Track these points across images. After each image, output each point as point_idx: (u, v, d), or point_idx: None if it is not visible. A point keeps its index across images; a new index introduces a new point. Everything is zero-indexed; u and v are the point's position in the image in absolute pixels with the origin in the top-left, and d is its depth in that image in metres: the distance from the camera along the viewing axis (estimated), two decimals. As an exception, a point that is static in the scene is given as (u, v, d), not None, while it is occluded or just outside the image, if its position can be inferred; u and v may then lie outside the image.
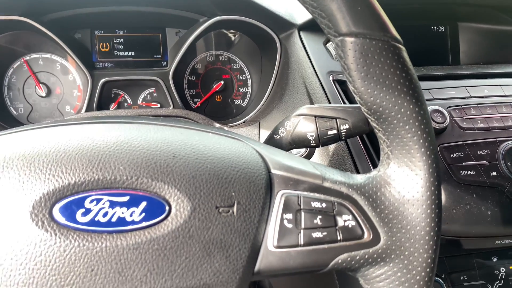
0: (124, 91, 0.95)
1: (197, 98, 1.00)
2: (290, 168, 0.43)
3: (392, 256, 0.41)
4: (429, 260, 0.41)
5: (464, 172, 0.68)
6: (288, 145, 0.58)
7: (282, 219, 0.41)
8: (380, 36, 0.39)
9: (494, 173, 0.68)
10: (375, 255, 0.41)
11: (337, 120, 0.55)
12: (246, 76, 1.02)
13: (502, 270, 0.77)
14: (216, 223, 0.39)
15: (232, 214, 0.39)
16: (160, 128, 0.44)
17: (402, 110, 0.41)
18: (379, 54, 0.39)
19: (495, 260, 0.77)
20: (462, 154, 0.69)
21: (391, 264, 0.41)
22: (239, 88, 1.02)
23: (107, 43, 0.93)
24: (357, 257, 0.41)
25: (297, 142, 0.57)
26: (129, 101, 0.95)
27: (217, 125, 0.89)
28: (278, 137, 0.58)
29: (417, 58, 0.94)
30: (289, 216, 0.41)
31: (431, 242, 0.41)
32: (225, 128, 0.89)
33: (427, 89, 0.74)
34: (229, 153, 0.42)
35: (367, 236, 0.41)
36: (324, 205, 0.42)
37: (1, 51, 0.86)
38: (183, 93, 0.99)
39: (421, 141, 0.41)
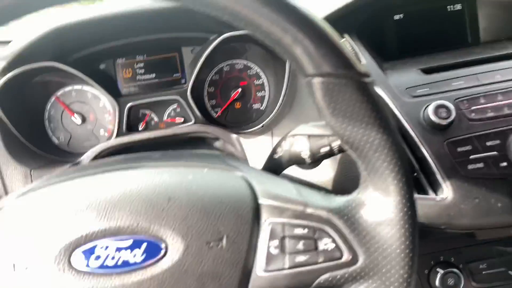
0: (150, 110, 1.02)
1: (217, 108, 1.06)
2: (277, 196, 0.48)
3: (371, 273, 0.45)
4: (406, 275, 0.44)
5: (472, 166, 0.68)
6: (286, 164, 0.62)
7: (268, 246, 0.46)
8: (344, 74, 0.42)
9: (505, 164, 0.67)
10: (354, 274, 0.45)
11: (329, 137, 0.58)
12: (262, 81, 1.05)
13: (526, 255, 0.76)
14: (207, 257, 0.44)
15: (222, 247, 0.45)
16: (159, 172, 0.50)
17: (371, 140, 0.43)
18: (344, 91, 0.42)
19: (517, 246, 0.76)
20: (470, 147, 0.69)
21: (370, 281, 0.45)
22: (257, 93, 1.05)
23: (130, 69, 1.01)
24: (338, 276, 0.45)
25: (294, 160, 0.61)
26: (156, 118, 1.03)
27: (234, 136, 0.94)
28: (277, 156, 0.62)
29: (434, 42, 0.92)
30: (275, 243, 0.46)
31: (406, 259, 0.44)
32: (241, 138, 0.94)
33: (434, 82, 0.74)
34: (219, 189, 0.48)
35: (346, 256, 0.45)
36: (306, 230, 0.46)
37: (38, 89, 0.96)
38: (204, 105, 1.05)
39: (391, 166, 0.43)
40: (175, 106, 1.03)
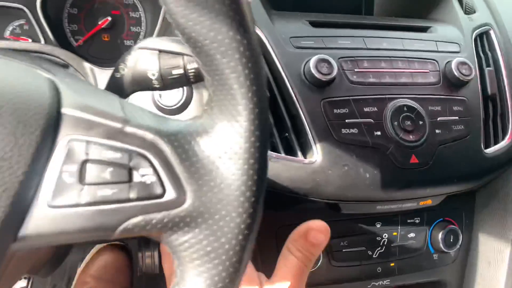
0: (-14, 20, 0.80)
1: (79, 36, 0.87)
2: (88, 107, 0.34)
3: (199, 220, 0.34)
4: (243, 226, 0.34)
5: (346, 130, 0.62)
6: (130, 86, 0.48)
7: (61, 171, 0.32)
8: None
9: (378, 133, 0.62)
10: (177, 219, 0.33)
11: (184, 57, 0.46)
12: (139, 14, 0.89)
13: (385, 236, 0.73)
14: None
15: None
16: None
17: (220, 37, 0.32)
18: None
19: (378, 226, 0.73)
20: (346, 110, 0.63)
21: (197, 230, 0.34)
22: (131, 27, 0.89)
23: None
24: (154, 221, 0.33)
25: (140, 82, 0.47)
26: (-8, 32, 0.81)
27: (87, 65, 0.77)
28: (119, 75, 0.48)
29: (328, 6, 0.86)
30: (72, 168, 0.32)
31: (246, 204, 0.34)
32: (98, 70, 0.78)
33: (320, 36, 0.66)
34: (12, 85, 0.33)
35: (169, 195, 0.33)
36: (119, 155, 0.33)
37: None
38: (61, 28, 0.85)
39: (242, 79, 0.33)
40: (22, 21, 0.82)
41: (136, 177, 0.33)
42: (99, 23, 0.87)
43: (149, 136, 0.34)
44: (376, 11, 0.88)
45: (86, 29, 0.87)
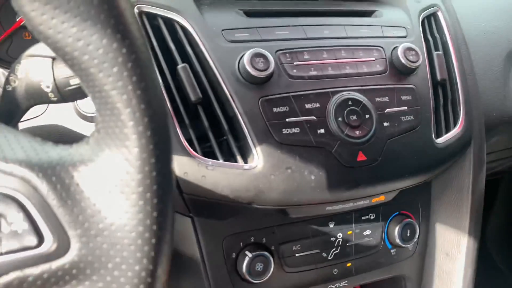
0: None
1: (-5, 36, 0.78)
2: None
3: (88, 271, 0.28)
4: (144, 274, 0.28)
5: (287, 130, 0.57)
6: (25, 100, 0.41)
7: None
8: None
9: (322, 131, 0.58)
10: (60, 273, 0.27)
11: (84, 64, 0.39)
12: (63, 9, 0.81)
13: (339, 236, 0.69)
14: None
15: None
16: None
17: (91, 47, 0.25)
18: None
19: (332, 226, 0.69)
20: (287, 108, 0.57)
21: (87, 283, 0.28)
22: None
23: None
24: (31, 278, 0.27)
25: (34, 96, 0.40)
26: None
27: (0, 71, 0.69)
28: (10, 88, 0.41)
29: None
30: None
31: (145, 248, 0.28)
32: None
33: (255, 27, 0.60)
34: None
35: (48, 244, 0.27)
36: (-20, 199, 0.26)
37: None
38: (-28, 28, 0.76)
39: (125, 97, 0.26)
40: None
41: (4, 225, 0.27)
42: (18, 20, 0.78)
43: (18, 171, 0.27)
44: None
45: (3, 27, 0.78)
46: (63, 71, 0.39)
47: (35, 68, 0.39)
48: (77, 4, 0.25)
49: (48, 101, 0.41)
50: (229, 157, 0.58)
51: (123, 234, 0.28)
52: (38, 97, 0.40)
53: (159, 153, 0.28)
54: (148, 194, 0.28)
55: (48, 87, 0.39)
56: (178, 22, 0.58)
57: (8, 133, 0.30)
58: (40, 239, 0.27)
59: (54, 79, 0.39)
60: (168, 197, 0.29)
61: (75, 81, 0.39)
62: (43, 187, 0.27)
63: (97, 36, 0.25)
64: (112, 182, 0.28)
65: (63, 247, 0.27)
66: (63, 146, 0.30)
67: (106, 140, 0.28)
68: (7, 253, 0.26)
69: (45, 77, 0.39)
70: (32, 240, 0.27)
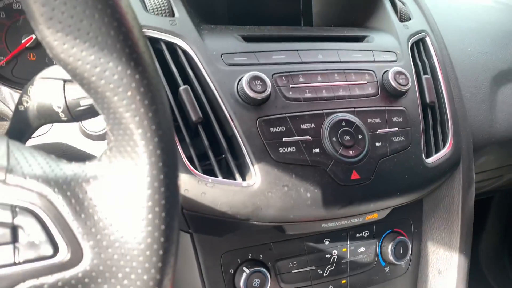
0: None
1: (1, 56, 0.81)
2: None
3: (99, 280, 0.29)
4: (151, 283, 0.30)
5: (284, 149, 0.59)
6: (36, 120, 0.44)
7: None
8: None
9: (317, 150, 0.60)
10: (73, 281, 0.29)
11: (93, 86, 0.41)
12: (66, 32, 0.83)
13: (334, 253, 0.71)
14: None
15: None
16: None
17: (107, 73, 0.28)
18: None
19: (327, 243, 0.71)
20: (283, 128, 0.60)
21: (98, 292, 0.30)
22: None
23: None
24: (46, 286, 0.29)
25: (45, 116, 0.43)
26: None
27: (5, 89, 0.71)
28: (22, 108, 0.43)
29: (266, 20, 0.83)
30: None
31: (153, 259, 0.30)
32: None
33: (253, 51, 0.63)
34: None
35: (62, 254, 0.29)
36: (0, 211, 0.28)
37: None
38: (-21, 50, 0.78)
39: (137, 118, 0.29)
40: None
41: (22, 236, 0.29)
42: (23, 41, 0.80)
43: (36, 186, 0.29)
44: (315, 20, 0.86)
45: (8, 48, 0.81)
46: (74, 93, 0.41)
47: (47, 90, 0.41)
48: (96, 35, 0.27)
49: (58, 120, 0.43)
50: (228, 174, 0.60)
51: (132, 246, 0.30)
52: (49, 117, 0.43)
53: (167, 170, 0.30)
54: (156, 208, 0.30)
55: (59, 107, 0.41)
56: (180, 46, 0.61)
57: (25, 151, 0.32)
58: (55, 249, 0.29)
59: (65, 100, 0.41)
60: (175, 211, 0.31)
61: (85, 102, 0.41)
62: (58, 201, 0.29)
63: (113, 64, 0.28)
64: (123, 197, 0.30)
65: (76, 257, 0.29)
66: (77, 163, 0.32)
67: (117, 157, 0.30)
68: (24, 262, 0.28)
69: (56, 98, 0.41)
70: (48, 250, 0.29)
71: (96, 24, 0.27)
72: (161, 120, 0.29)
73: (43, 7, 0.26)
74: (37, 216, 0.29)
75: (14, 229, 0.28)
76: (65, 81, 0.41)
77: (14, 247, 0.28)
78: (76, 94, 0.41)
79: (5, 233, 0.28)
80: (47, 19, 0.26)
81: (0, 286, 0.28)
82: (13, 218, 0.29)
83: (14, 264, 0.28)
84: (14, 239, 0.28)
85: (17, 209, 0.29)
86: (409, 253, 0.75)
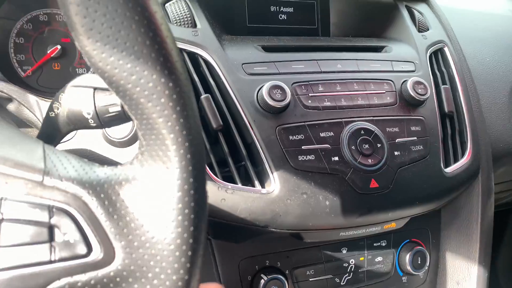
0: None
1: (27, 66, 0.83)
2: (3, 158, 0.30)
3: (130, 279, 0.31)
4: (180, 284, 0.31)
5: (303, 157, 0.60)
6: (66, 125, 0.45)
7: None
8: None
9: (336, 158, 0.61)
10: (105, 280, 0.30)
11: (122, 94, 0.43)
12: (90, 42, 0.86)
13: (352, 262, 0.71)
14: None
15: None
16: None
17: (142, 81, 0.29)
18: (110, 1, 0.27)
19: (344, 252, 0.71)
20: (302, 136, 0.61)
21: (129, 290, 0.31)
22: (82, 55, 0.86)
23: None
24: (79, 284, 0.30)
25: (75, 122, 0.44)
26: None
27: (33, 97, 0.73)
28: (53, 114, 0.45)
29: (284, 30, 0.85)
30: None
31: (182, 260, 0.31)
32: (44, 103, 0.74)
33: (273, 61, 0.65)
34: None
35: (96, 253, 0.30)
36: (37, 212, 0.30)
37: None
38: (8, 59, 0.81)
39: (170, 124, 0.30)
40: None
41: (58, 235, 0.30)
42: (48, 52, 0.83)
43: (71, 188, 0.31)
44: (332, 31, 0.87)
45: (34, 58, 0.83)
46: (103, 100, 0.43)
47: (78, 97, 0.43)
48: (132, 44, 0.29)
49: (87, 126, 0.44)
50: (247, 181, 0.61)
51: (163, 246, 0.31)
52: (78, 123, 0.44)
53: (196, 173, 0.31)
54: (186, 210, 0.31)
55: (88, 114, 0.43)
56: (201, 56, 0.63)
57: (60, 154, 0.33)
58: (89, 249, 0.30)
59: (95, 107, 0.43)
60: (203, 214, 0.32)
61: (113, 109, 0.43)
62: (92, 202, 0.31)
63: (148, 72, 0.29)
64: (154, 199, 0.31)
65: (109, 256, 0.30)
66: (109, 166, 0.33)
67: (149, 161, 0.32)
68: (60, 260, 0.30)
69: (86, 105, 0.43)
70: (82, 249, 0.30)
71: (133, 35, 0.28)
72: (191, 126, 0.31)
73: (84, 18, 0.28)
74: (72, 217, 0.30)
75: (50, 229, 0.30)
76: (95, 89, 0.43)
77: (51, 246, 0.30)
78: (105, 101, 0.43)
79: (42, 232, 0.30)
80: (87, 30, 0.28)
81: (37, 283, 0.29)
82: (50, 218, 0.30)
83: (50, 262, 0.29)
84: (51, 238, 0.30)
85: (54, 210, 0.30)
86: (427, 263, 0.74)
